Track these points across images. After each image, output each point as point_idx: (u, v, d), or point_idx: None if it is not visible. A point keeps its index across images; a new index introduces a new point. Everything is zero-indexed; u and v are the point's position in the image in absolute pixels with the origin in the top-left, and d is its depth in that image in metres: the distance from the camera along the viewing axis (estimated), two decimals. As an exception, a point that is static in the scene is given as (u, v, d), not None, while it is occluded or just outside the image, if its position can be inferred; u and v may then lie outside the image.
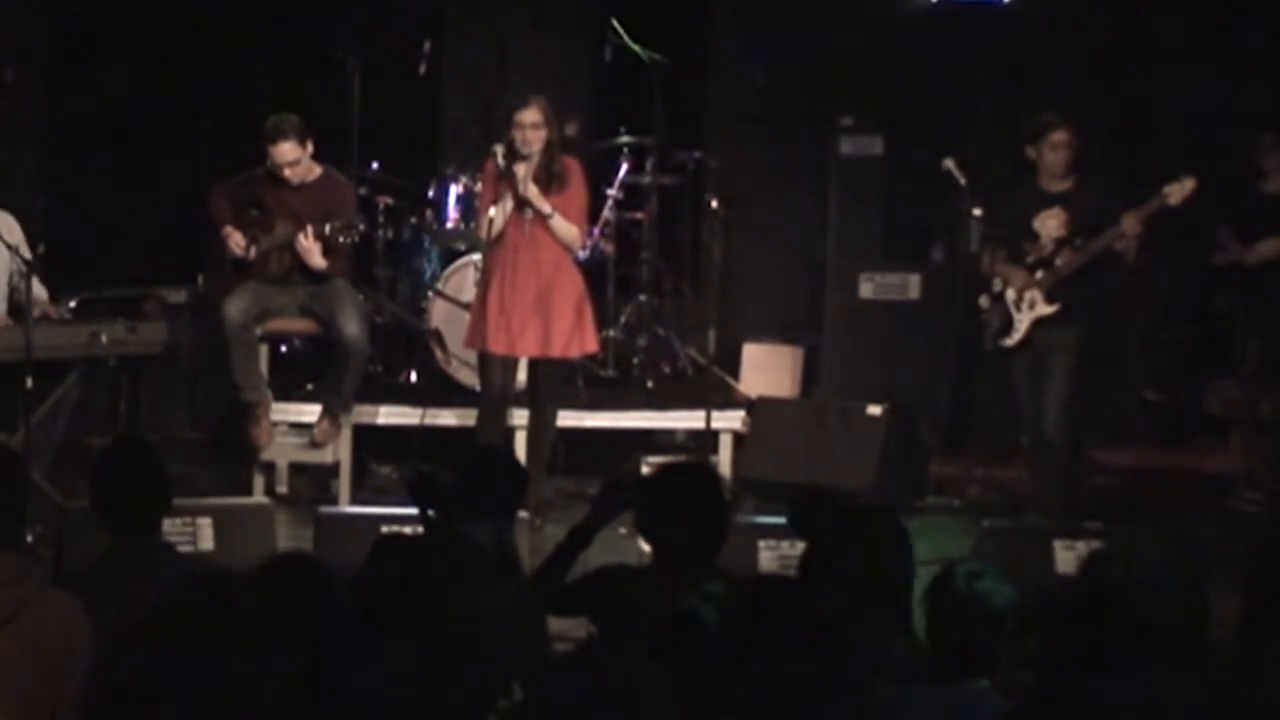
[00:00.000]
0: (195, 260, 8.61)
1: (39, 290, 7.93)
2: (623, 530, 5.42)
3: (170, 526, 5.97)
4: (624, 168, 9.55)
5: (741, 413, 8.95)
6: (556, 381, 8.25)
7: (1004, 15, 9.83)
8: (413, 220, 9.47)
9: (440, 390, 8.93)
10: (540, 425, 8.18)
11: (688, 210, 9.97)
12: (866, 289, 9.59)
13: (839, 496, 8.38)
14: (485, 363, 8.10)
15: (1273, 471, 8.68)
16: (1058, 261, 8.04)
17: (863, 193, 9.75)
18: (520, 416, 8.28)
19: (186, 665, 3.54)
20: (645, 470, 8.44)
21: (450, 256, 9.28)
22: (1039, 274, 8.07)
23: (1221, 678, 3.76)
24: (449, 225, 9.32)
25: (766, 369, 9.71)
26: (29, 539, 6.32)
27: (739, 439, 8.83)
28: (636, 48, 9.35)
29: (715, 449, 8.67)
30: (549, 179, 7.95)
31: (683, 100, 9.75)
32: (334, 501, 8.28)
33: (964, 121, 9.52)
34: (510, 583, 4.83)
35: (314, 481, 8.69)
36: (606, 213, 9.37)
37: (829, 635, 3.40)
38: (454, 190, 9.31)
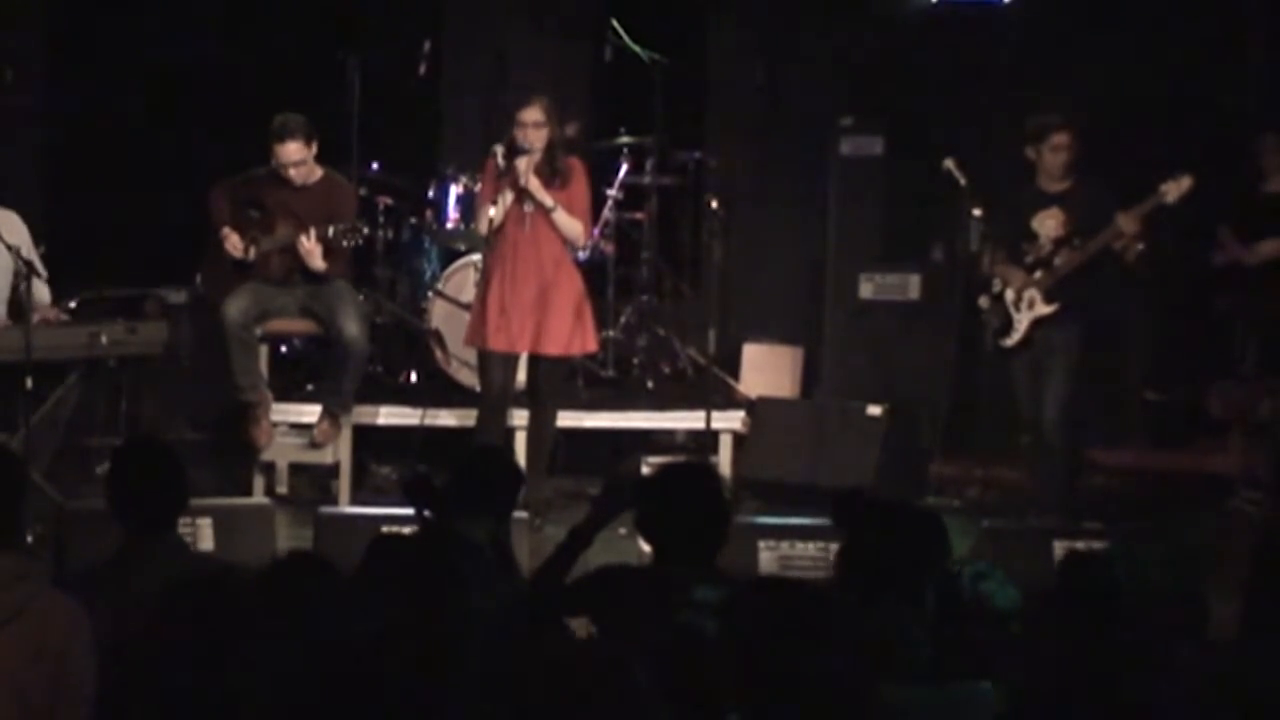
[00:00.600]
0: (195, 260, 8.61)
1: (43, 292, 7.93)
2: (623, 530, 5.42)
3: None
4: (624, 168, 9.55)
5: (741, 413, 8.95)
6: (556, 381, 8.25)
7: (1004, 15, 9.83)
8: (413, 220, 9.47)
9: (440, 390, 8.93)
10: (540, 425, 8.18)
11: (688, 210, 9.97)
12: (866, 289, 9.58)
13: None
14: (485, 362, 8.10)
15: (1273, 471, 8.68)
16: (1056, 261, 8.05)
17: (863, 193, 9.74)
18: (520, 416, 8.28)
19: (188, 664, 3.55)
20: (645, 470, 8.44)
21: (450, 256, 9.28)
22: (1037, 274, 8.07)
23: (1221, 678, 3.76)
24: (449, 225, 9.32)
25: (766, 369, 9.71)
26: (29, 539, 6.33)
27: (739, 439, 8.82)
28: (636, 48, 9.36)
29: (715, 449, 8.66)
30: (551, 174, 7.95)
31: (683, 100, 9.75)
32: (334, 502, 8.28)
33: (964, 121, 9.51)
34: (507, 583, 4.83)
35: (314, 481, 8.69)
36: (606, 213, 9.37)
37: (833, 636, 3.40)
38: (454, 190, 9.31)
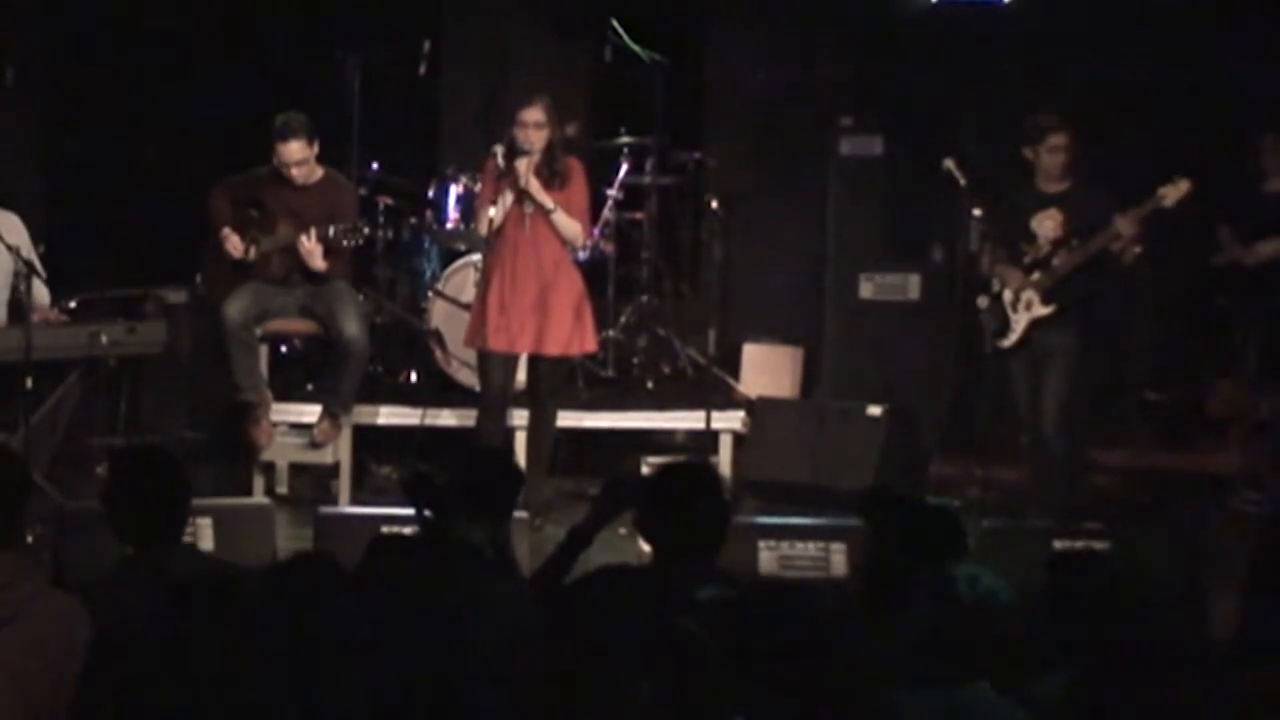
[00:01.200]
0: (195, 260, 8.62)
1: (42, 293, 7.93)
2: (623, 530, 5.42)
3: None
4: (624, 168, 9.55)
5: (741, 413, 8.95)
6: (556, 381, 8.25)
7: (1004, 15, 9.83)
8: (413, 220, 9.47)
9: (440, 390, 8.93)
10: (540, 425, 8.18)
11: (688, 210, 9.97)
12: (866, 289, 9.58)
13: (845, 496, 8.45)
14: (485, 362, 8.10)
15: (1273, 471, 8.68)
16: (1054, 262, 8.04)
17: (863, 193, 9.74)
18: (520, 416, 8.28)
19: (189, 663, 3.55)
20: (645, 470, 8.44)
21: (450, 256, 9.28)
22: (1035, 275, 8.07)
23: (1221, 678, 3.76)
24: (449, 225, 9.32)
25: (766, 369, 9.71)
26: (29, 539, 6.33)
27: (739, 439, 8.82)
28: (636, 48, 9.36)
29: (715, 449, 8.67)
30: (551, 175, 7.95)
31: (683, 100, 9.75)
32: (334, 501, 8.29)
33: (964, 121, 9.52)
34: (506, 583, 4.83)
35: (314, 481, 8.69)
36: (606, 213, 9.37)
37: (832, 640, 3.40)
38: (454, 190, 9.31)
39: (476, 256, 8.71)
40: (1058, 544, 6.67)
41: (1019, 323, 8.10)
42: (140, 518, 4.69)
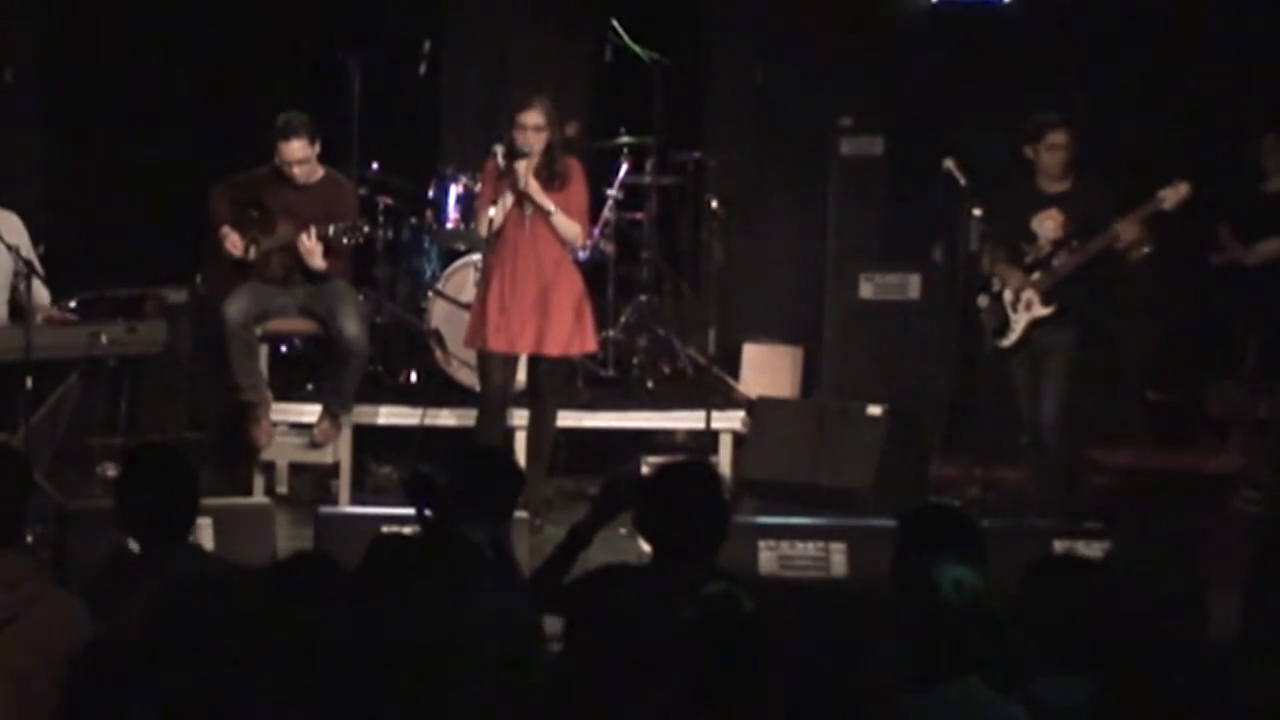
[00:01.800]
0: (195, 260, 8.61)
1: (42, 293, 7.93)
2: (623, 530, 5.42)
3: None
4: (624, 168, 9.54)
5: (741, 413, 8.95)
6: (557, 381, 8.25)
7: (1004, 15, 9.83)
8: (413, 220, 9.47)
9: (440, 390, 8.93)
10: (540, 425, 8.18)
11: (688, 210, 9.96)
12: (866, 289, 9.58)
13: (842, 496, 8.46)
14: (485, 362, 8.10)
15: (1273, 471, 8.68)
16: (1054, 263, 8.04)
17: (863, 193, 9.73)
18: (520, 416, 8.28)
19: (189, 665, 3.55)
20: (645, 470, 8.44)
21: (450, 256, 9.28)
22: (1035, 275, 8.07)
23: (1221, 678, 3.76)
24: (449, 225, 9.32)
25: (766, 369, 9.71)
26: (29, 539, 6.33)
27: (739, 439, 8.83)
28: (636, 48, 9.35)
29: (715, 449, 8.67)
30: (550, 176, 7.95)
31: (683, 100, 9.74)
32: (334, 501, 8.28)
33: (964, 121, 9.51)
34: (507, 584, 4.83)
35: (314, 481, 8.69)
36: (606, 213, 9.37)
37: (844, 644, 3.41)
38: (454, 190, 9.31)
39: (476, 256, 8.71)
40: (1057, 544, 6.68)
41: (1019, 322, 8.10)
42: (153, 515, 4.70)
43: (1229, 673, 3.78)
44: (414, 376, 9.26)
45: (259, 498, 8.04)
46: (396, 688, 3.62)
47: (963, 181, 8.24)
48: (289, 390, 8.75)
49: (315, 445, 8.38)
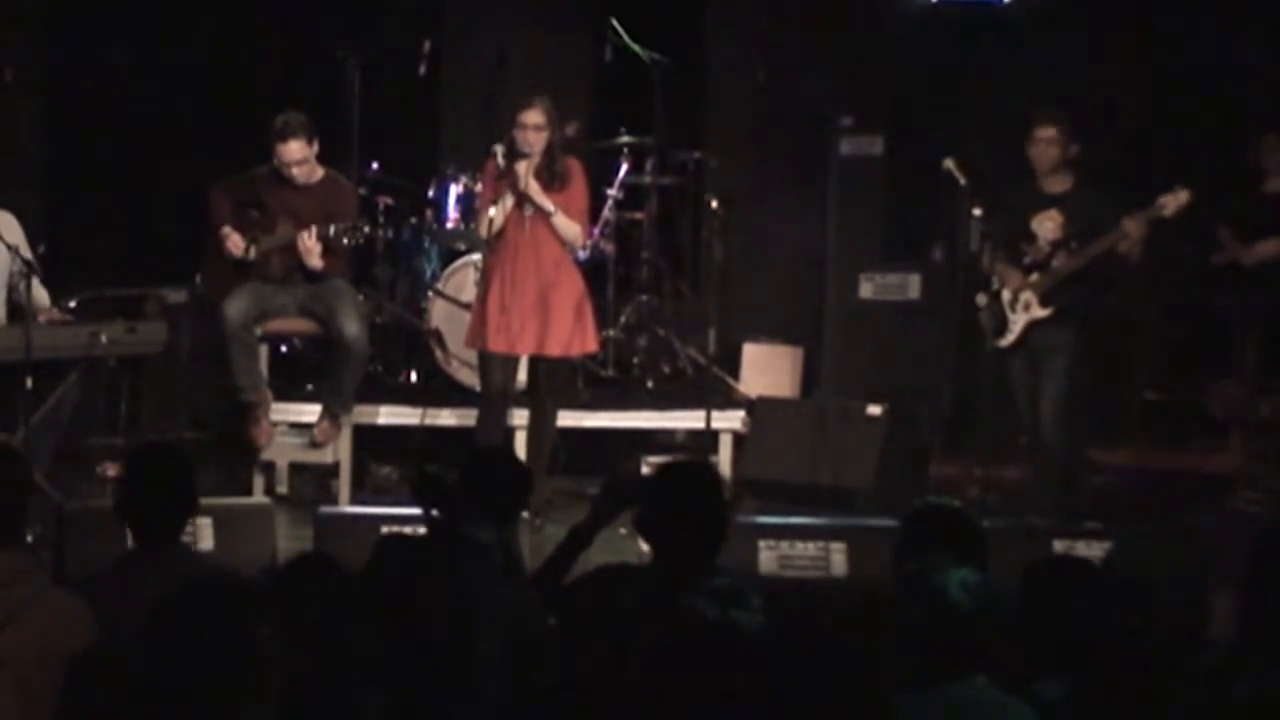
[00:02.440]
0: (195, 260, 8.61)
1: (40, 293, 7.93)
2: (623, 530, 5.43)
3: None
4: (624, 168, 9.54)
5: (741, 413, 8.95)
6: (557, 381, 8.25)
7: (1004, 15, 9.83)
8: (413, 220, 9.47)
9: (440, 390, 8.93)
10: (540, 425, 8.18)
11: (688, 210, 9.96)
12: (866, 289, 9.58)
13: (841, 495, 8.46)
14: (485, 363, 8.10)
15: (1273, 471, 8.68)
16: (1054, 264, 8.05)
17: (863, 193, 9.74)
18: (520, 416, 8.28)
19: (189, 665, 3.54)
20: (645, 470, 8.44)
21: (450, 256, 9.28)
22: (1034, 276, 8.08)
23: (1221, 678, 3.76)
24: (449, 225, 9.32)
25: (766, 369, 9.71)
26: (29, 539, 6.33)
27: (739, 439, 8.83)
28: (636, 48, 9.35)
29: (715, 449, 8.67)
30: (551, 177, 7.95)
31: (683, 100, 9.74)
32: (334, 501, 8.28)
33: (964, 121, 9.51)
34: (514, 585, 4.83)
35: (314, 481, 8.69)
36: (606, 213, 9.37)
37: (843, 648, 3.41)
38: (454, 190, 9.31)
39: (476, 256, 8.71)
40: (1058, 544, 6.67)
41: (1017, 323, 8.11)
42: (151, 514, 4.71)
43: (1228, 672, 3.79)
44: (414, 376, 9.26)
45: (259, 498, 8.04)
46: (403, 688, 3.62)
47: (963, 181, 8.24)
48: (289, 390, 8.75)
49: (315, 445, 8.38)
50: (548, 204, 7.92)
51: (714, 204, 8.96)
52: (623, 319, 9.48)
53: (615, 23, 9.39)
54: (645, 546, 4.89)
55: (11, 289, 7.85)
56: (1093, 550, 6.69)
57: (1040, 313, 8.05)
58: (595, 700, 3.05)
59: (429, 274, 9.38)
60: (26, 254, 7.70)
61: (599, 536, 4.94)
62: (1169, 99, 9.71)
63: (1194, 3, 9.78)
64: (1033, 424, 8.14)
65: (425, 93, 10.21)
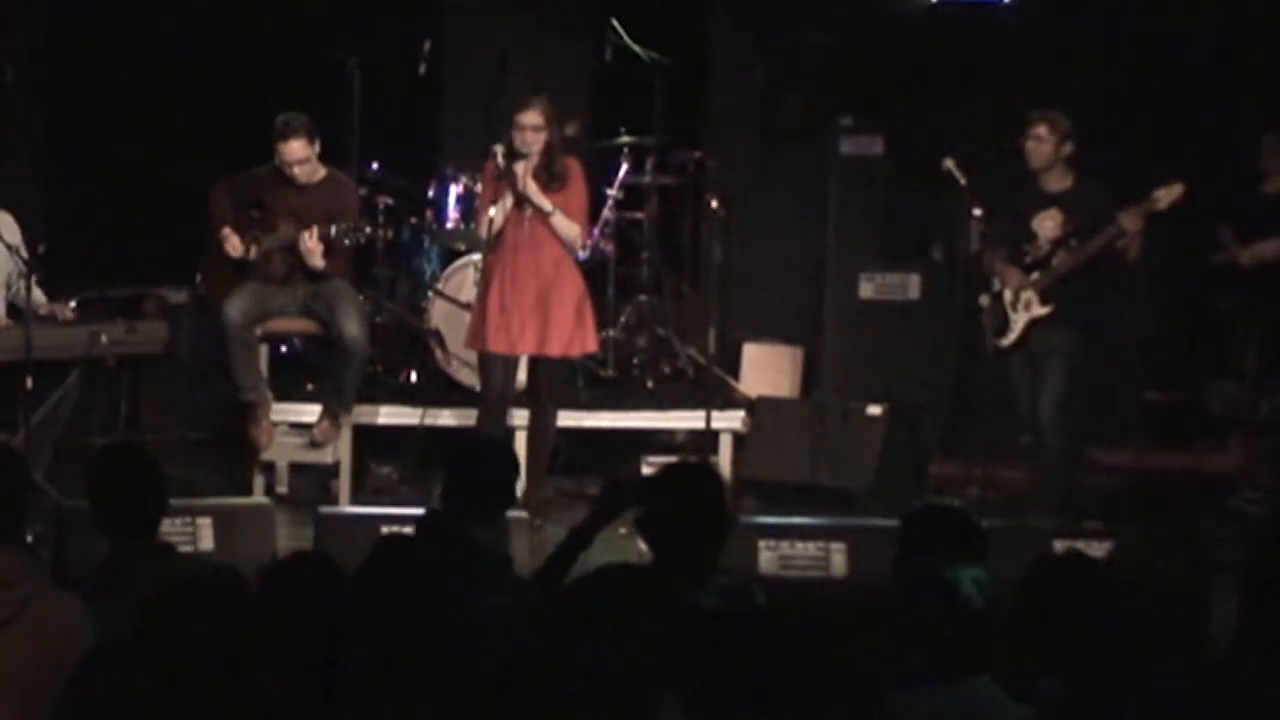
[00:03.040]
0: (195, 260, 8.61)
1: (37, 293, 7.93)
2: (623, 530, 5.42)
3: (170, 526, 5.96)
4: (624, 168, 9.54)
5: (741, 413, 8.95)
6: (557, 381, 8.25)
7: (1004, 15, 9.83)
8: (413, 220, 9.47)
9: (440, 390, 8.93)
10: (540, 425, 8.18)
11: (688, 210, 9.97)
12: (866, 289, 9.59)
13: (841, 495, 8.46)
14: (485, 363, 8.10)
15: (1273, 471, 8.69)
16: (1054, 263, 8.05)
17: (863, 193, 9.74)
18: (520, 416, 8.28)
19: (185, 664, 3.54)
20: (645, 470, 8.44)
21: (450, 256, 9.28)
22: (1035, 275, 8.08)
23: (1221, 678, 3.76)
24: (449, 225, 9.32)
25: (766, 369, 9.71)
26: (29, 539, 6.33)
27: (739, 439, 8.83)
28: (636, 48, 9.35)
29: (715, 449, 8.67)
30: (549, 178, 7.95)
31: (683, 100, 9.75)
32: (334, 501, 8.28)
33: (964, 121, 9.52)
34: (505, 580, 4.83)
35: (314, 481, 8.69)
36: (606, 213, 9.37)
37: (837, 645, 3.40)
38: (454, 190, 9.31)
39: (476, 256, 8.71)
40: (1058, 544, 6.67)
41: (1018, 322, 8.11)
42: (120, 514, 4.75)
43: (1229, 672, 3.79)
44: (414, 376, 9.25)
45: (259, 498, 8.04)
46: (400, 689, 3.62)
47: (963, 181, 8.24)
48: (289, 390, 8.75)
49: (315, 445, 8.38)
50: (546, 204, 7.91)
51: (714, 204, 8.95)
52: (623, 319, 9.48)
53: (615, 23, 9.39)
54: (645, 546, 4.89)
55: (12, 289, 7.85)
56: (1093, 550, 6.69)
57: (1041, 311, 8.05)
58: (591, 698, 3.05)
59: (429, 274, 9.38)
60: (26, 254, 7.69)
61: (599, 536, 4.94)
62: (1169, 99, 9.71)
63: (1194, 2, 9.78)
64: (1033, 424, 8.15)
65: (425, 93, 10.21)
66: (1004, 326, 8.14)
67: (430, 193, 9.40)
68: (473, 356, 8.40)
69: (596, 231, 9.13)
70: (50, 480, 7.59)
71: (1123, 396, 9.87)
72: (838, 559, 6.81)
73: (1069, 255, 8.01)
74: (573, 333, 8.04)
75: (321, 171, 8.28)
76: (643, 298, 9.52)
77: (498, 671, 3.67)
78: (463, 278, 8.98)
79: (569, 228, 7.99)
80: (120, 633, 3.85)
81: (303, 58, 9.68)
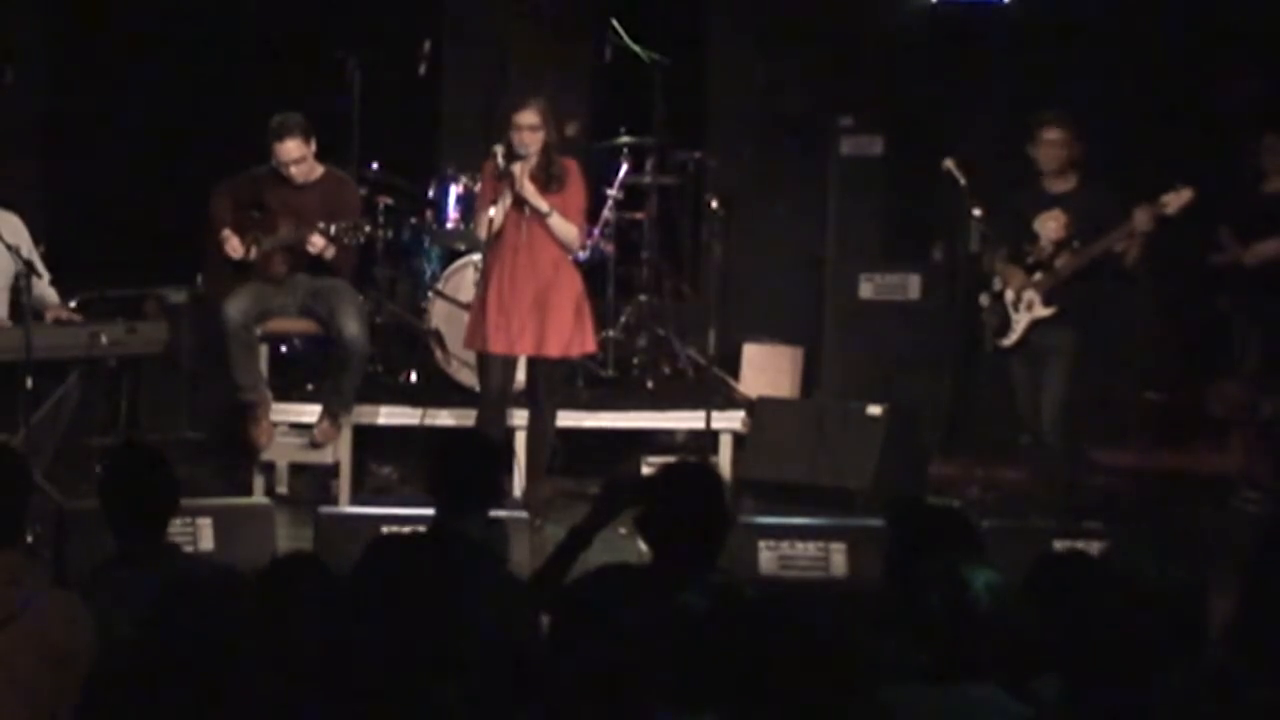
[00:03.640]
0: (195, 260, 8.61)
1: (49, 292, 7.94)
2: (623, 530, 5.42)
3: (170, 526, 5.95)
4: (624, 168, 9.54)
5: (741, 413, 8.96)
6: (556, 381, 8.25)
7: (1004, 15, 9.83)
8: (413, 220, 9.47)
9: (440, 390, 8.93)
10: (540, 425, 8.18)
11: (688, 210, 9.97)
12: (866, 289, 9.59)
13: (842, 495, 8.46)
14: (485, 363, 8.10)
15: (1273, 471, 8.68)
16: (1056, 264, 8.05)
17: (863, 193, 9.75)
18: (520, 416, 8.28)
19: (185, 665, 3.54)
20: (645, 470, 8.44)
21: (450, 256, 9.28)
22: (1037, 276, 8.08)
23: (1220, 678, 3.76)
24: (449, 225, 9.32)
25: (766, 369, 9.71)
26: (29, 539, 6.33)
27: (739, 439, 8.83)
28: (636, 48, 9.36)
29: (715, 449, 8.67)
30: (547, 179, 7.94)
31: (683, 100, 9.75)
32: (334, 501, 8.28)
33: (964, 121, 9.52)
34: (499, 576, 4.84)
35: (314, 481, 8.69)
36: (606, 213, 9.37)
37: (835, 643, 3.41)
38: (454, 190, 9.31)
39: (476, 256, 8.71)
40: (1058, 544, 6.67)
41: (1019, 322, 8.11)
42: (132, 514, 4.74)
43: (1228, 673, 3.79)
44: (414, 376, 9.26)
45: (259, 498, 8.04)
46: (394, 688, 3.62)
47: (963, 181, 8.24)
48: (289, 390, 8.75)
49: (315, 445, 8.38)
50: (543, 205, 7.91)
51: (714, 204, 8.95)
52: (623, 319, 9.48)
53: (615, 23, 9.39)
54: (645, 546, 4.89)
55: (13, 289, 7.86)
56: (1093, 550, 6.69)
57: (1043, 312, 8.05)
58: (590, 699, 3.05)
59: (429, 274, 9.39)
60: (28, 254, 7.69)
61: (599, 536, 4.94)
62: (1169, 99, 9.71)
63: (1193, 2, 9.78)
64: (1033, 424, 8.15)
65: (425, 93, 10.21)
66: (1005, 326, 8.14)
67: (430, 193, 9.40)
68: (472, 356, 8.40)
69: (596, 232, 9.14)
70: (50, 480, 7.59)
71: (1123, 396, 9.86)
72: (838, 559, 6.82)
73: (1072, 257, 8.01)
74: (571, 333, 8.03)
75: (319, 170, 8.28)
76: (643, 298, 9.53)
77: (493, 669, 3.67)
78: (462, 278, 8.99)
79: (566, 229, 7.99)
80: (123, 633, 3.86)
81: (303, 58, 9.69)
